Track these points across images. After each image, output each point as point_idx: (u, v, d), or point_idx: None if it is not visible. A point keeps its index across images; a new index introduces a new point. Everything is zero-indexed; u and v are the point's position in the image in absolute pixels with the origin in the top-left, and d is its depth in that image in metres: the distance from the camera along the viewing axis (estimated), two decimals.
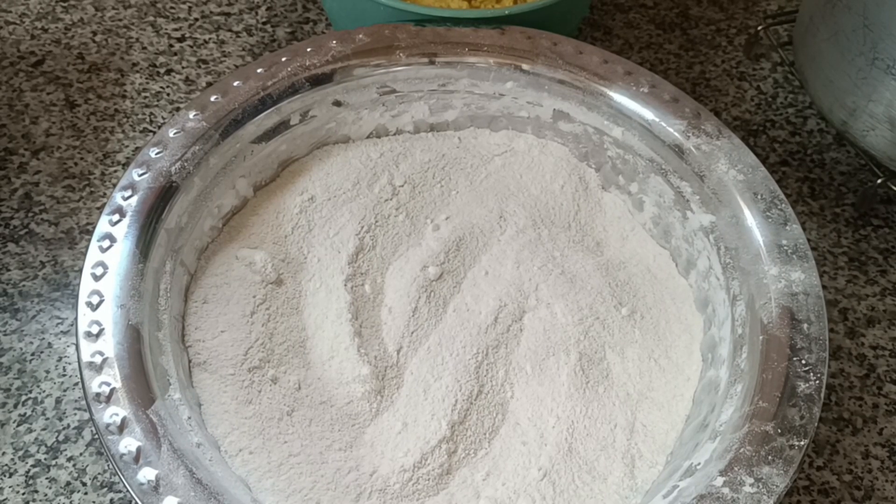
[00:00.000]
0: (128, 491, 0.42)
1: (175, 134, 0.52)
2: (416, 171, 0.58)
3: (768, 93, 0.70)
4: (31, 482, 0.50)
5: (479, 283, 0.55)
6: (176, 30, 0.72)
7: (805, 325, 0.47)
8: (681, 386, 0.51)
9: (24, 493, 0.50)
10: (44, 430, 0.52)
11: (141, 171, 0.51)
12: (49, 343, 0.55)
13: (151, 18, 0.72)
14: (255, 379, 0.49)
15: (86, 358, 0.44)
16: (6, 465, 0.51)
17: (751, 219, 0.51)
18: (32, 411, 0.53)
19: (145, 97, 0.67)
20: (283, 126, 0.56)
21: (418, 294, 0.53)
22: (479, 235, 0.56)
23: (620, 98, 0.57)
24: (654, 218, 0.57)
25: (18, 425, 0.52)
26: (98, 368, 0.44)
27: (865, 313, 0.59)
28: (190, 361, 0.49)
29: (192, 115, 0.53)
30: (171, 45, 0.71)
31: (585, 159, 0.59)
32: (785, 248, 0.50)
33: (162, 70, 0.69)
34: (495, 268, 0.55)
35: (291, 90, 0.56)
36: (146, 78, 0.68)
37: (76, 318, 0.46)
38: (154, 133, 0.64)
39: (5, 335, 0.56)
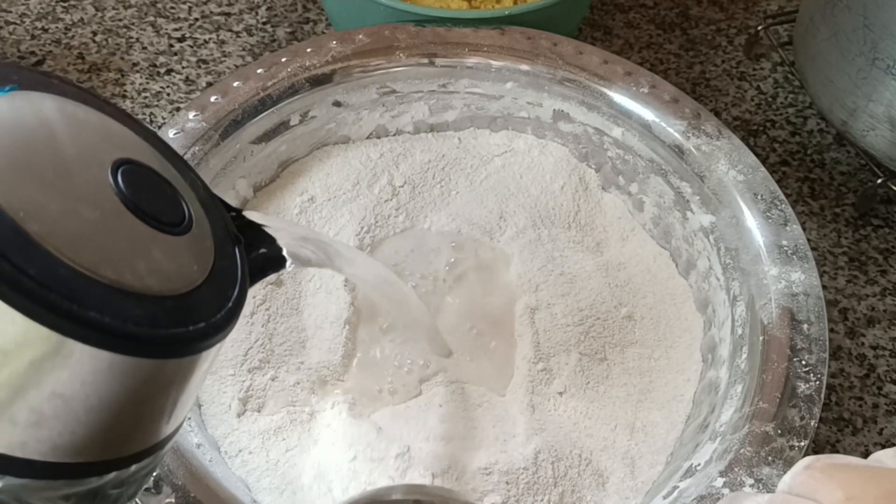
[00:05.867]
0: None
1: (175, 134, 0.52)
2: (416, 172, 0.58)
3: (768, 93, 0.70)
4: None
5: None
6: (176, 30, 0.72)
7: (805, 326, 0.47)
8: (681, 386, 0.51)
9: None
10: None
11: None
12: None
13: (151, 18, 0.72)
14: (255, 379, 0.49)
15: None
16: None
17: (751, 219, 0.51)
18: None
19: (145, 97, 0.67)
20: (282, 126, 0.56)
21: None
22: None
23: (620, 98, 0.57)
24: (654, 218, 0.57)
25: None
26: None
27: (865, 313, 0.59)
28: None
29: (191, 115, 0.53)
30: (171, 45, 0.71)
31: (585, 160, 0.59)
32: (785, 248, 0.50)
33: (162, 70, 0.69)
34: None
35: (291, 90, 0.56)
36: (146, 78, 0.68)
37: None
38: None
39: None
